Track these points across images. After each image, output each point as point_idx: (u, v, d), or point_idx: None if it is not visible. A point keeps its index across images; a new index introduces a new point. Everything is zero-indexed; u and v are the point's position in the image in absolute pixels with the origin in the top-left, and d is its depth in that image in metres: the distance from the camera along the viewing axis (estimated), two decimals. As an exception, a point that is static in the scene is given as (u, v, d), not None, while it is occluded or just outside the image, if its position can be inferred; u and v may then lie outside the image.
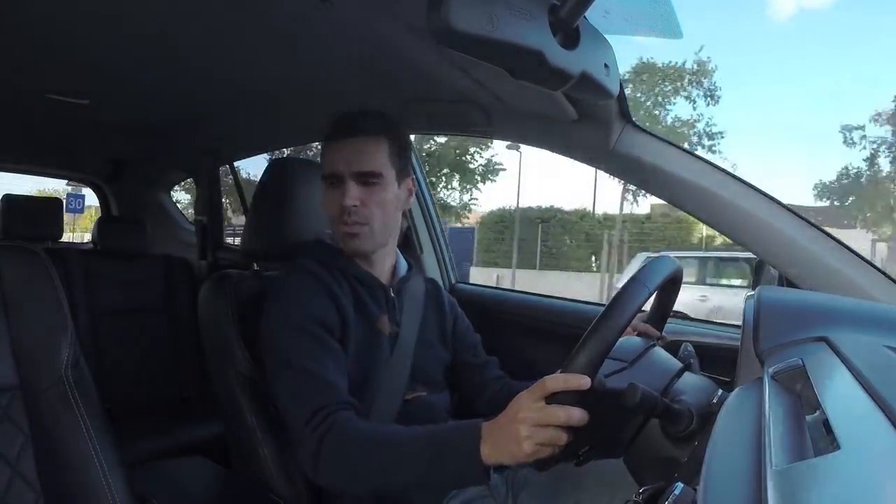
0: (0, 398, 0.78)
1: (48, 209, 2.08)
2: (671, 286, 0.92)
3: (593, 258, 13.22)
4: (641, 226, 12.86)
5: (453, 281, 1.70)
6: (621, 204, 14.21)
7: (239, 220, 4.62)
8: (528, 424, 0.70)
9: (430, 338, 1.06)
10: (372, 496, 0.93)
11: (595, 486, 0.94)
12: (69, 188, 11.37)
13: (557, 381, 0.69)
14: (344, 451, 0.81)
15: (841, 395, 0.40)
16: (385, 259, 1.05)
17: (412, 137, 1.16)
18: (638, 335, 0.94)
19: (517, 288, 3.33)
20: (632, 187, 12.55)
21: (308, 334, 0.89)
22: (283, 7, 0.93)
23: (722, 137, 15.19)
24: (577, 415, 0.69)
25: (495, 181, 14.80)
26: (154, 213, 2.56)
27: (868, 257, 0.90)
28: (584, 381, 0.68)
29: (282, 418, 0.91)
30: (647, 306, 0.88)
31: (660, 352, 0.88)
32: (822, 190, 15.71)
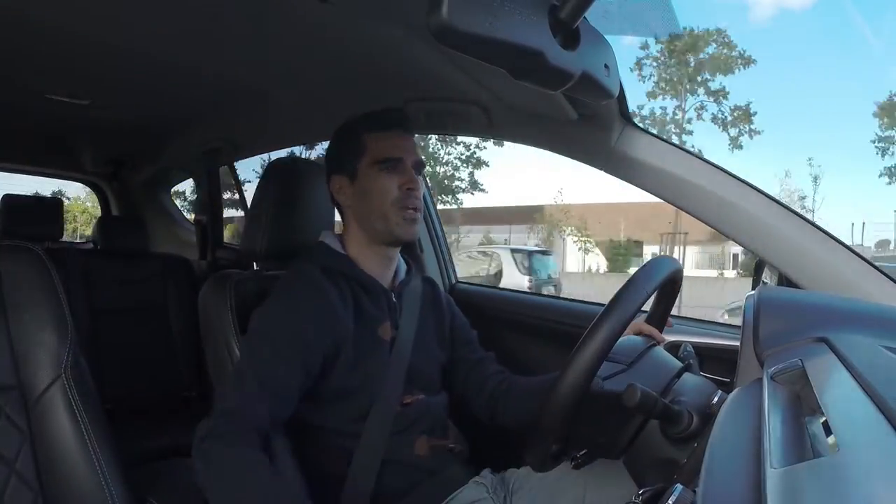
0: (-1, 398, 0.78)
1: (48, 209, 2.08)
2: (670, 286, 0.92)
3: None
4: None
5: (453, 280, 1.70)
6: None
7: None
8: None
9: (427, 340, 1.06)
10: (367, 496, 0.93)
11: (594, 487, 0.93)
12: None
13: None
14: (215, 462, 0.81)
15: (840, 396, 0.40)
16: (391, 261, 1.05)
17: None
18: (639, 335, 0.94)
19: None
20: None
21: (279, 346, 0.88)
22: (283, 7, 0.93)
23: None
24: None
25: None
26: (154, 213, 2.56)
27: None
28: None
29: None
30: (647, 306, 0.88)
31: (659, 352, 0.88)
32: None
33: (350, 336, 0.94)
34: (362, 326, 0.96)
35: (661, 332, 1.00)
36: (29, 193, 1.99)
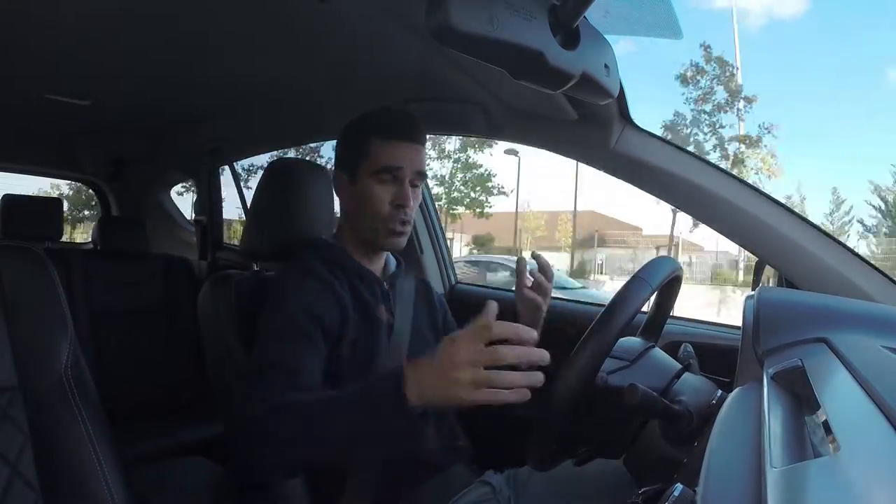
0: None
1: (48, 209, 2.08)
2: (671, 286, 0.92)
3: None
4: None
5: (453, 282, 1.70)
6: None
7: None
8: (468, 367, 0.67)
9: (424, 332, 1.07)
10: (370, 492, 0.93)
11: (595, 486, 0.94)
12: None
13: (505, 326, 0.68)
14: (278, 416, 0.78)
15: (840, 396, 0.40)
16: (381, 256, 1.07)
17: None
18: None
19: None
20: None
21: (295, 325, 0.89)
22: (283, 7, 0.93)
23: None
24: (524, 354, 0.67)
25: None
26: (154, 213, 2.56)
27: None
28: (533, 335, 0.68)
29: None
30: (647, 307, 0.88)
31: (659, 353, 0.88)
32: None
33: (351, 316, 0.95)
34: (359, 311, 0.97)
35: (660, 333, 1.00)
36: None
